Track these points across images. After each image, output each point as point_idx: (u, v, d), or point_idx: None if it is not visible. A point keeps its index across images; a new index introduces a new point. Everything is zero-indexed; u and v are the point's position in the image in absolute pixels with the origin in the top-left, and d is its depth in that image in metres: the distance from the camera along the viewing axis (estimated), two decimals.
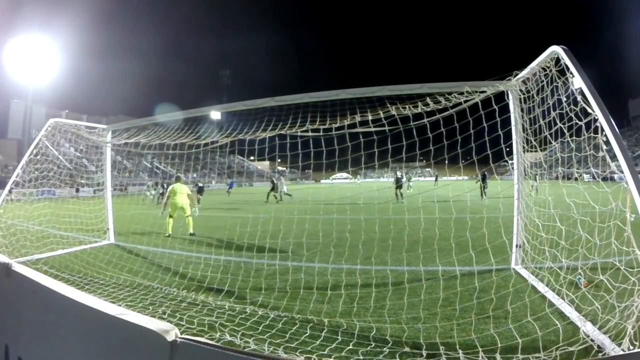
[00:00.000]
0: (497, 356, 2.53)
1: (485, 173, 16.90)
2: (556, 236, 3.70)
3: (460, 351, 2.62)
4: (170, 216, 9.24)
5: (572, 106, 3.25)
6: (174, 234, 8.68)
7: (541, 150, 4.24)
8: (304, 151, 4.83)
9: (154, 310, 3.57)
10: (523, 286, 4.12)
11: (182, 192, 9.39)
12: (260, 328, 3.17)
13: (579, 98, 2.95)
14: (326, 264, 5.30)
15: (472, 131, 4.26)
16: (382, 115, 4.50)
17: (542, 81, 3.88)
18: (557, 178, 3.94)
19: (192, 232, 9.08)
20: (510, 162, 4.98)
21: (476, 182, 17.62)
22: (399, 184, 17.57)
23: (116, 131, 7.82)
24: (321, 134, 4.68)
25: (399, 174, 18.57)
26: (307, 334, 3.05)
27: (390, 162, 4.59)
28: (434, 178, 33.78)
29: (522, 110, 4.61)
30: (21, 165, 6.48)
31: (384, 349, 2.73)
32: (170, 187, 9.67)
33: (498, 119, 4.26)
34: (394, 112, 4.48)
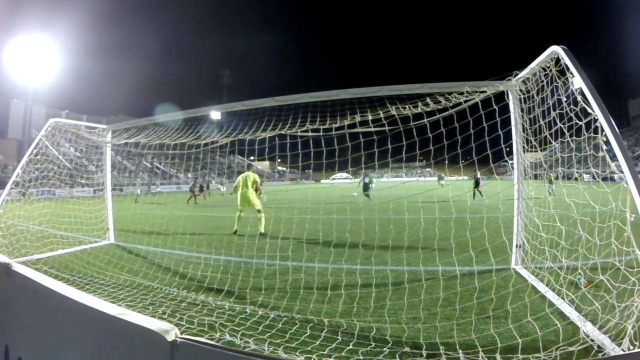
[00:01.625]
0: (497, 356, 2.53)
1: (478, 176, 16.84)
2: (556, 236, 3.70)
3: (460, 351, 2.62)
4: (241, 210, 8.50)
5: (572, 106, 3.25)
6: (173, 233, 8.66)
7: (541, 150, 4.24)
8: (304, 151, 4.83)
9: (154, 310, 3.57)
10: (523, 286, 4.12)
11: (247, 184, 8.40)
12: (260, 328, 3.17)
13: (579, 98, 2.95)
14: (326, 263, 5.30)
15: (472, 131, 4.26)
16: (382, 115, 4.50)
17: (542, 81, 3.88)
18: (557, 178, 3.95)
19: (262, 231, 8.14)
20: (510, 162, 4.98)
21: (473, 187, 17.49)
22: (366, 190, 17.75)
23: (116, 131, 7.82)
24: (321, 134, 4.68)
25: (367, 179, 18.31)
26: (307, 334, 3.05)
27: (390, 162, 4.59)
28: (422, 178, 33.49)
29: (522, 110, 4.61)
30: (21, 165, 6.48)
31: (384, 349, 2.73)
32: (238, 177, 8.75)
33: (498, 119, 4.26)
34: (394, 112, 4.48)
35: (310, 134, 4.70)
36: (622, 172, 2.39)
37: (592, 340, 2.65)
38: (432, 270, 4.65)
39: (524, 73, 4.28)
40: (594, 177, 3.12)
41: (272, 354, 2.55)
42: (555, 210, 3.84)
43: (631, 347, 2.24)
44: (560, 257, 3.51)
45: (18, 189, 6.59)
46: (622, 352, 2.30)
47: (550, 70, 3.60)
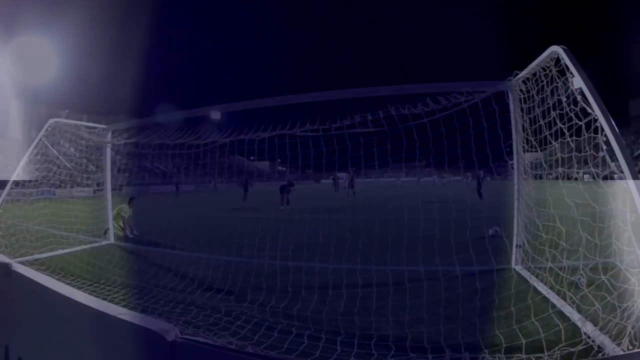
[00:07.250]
0: (501, 356, 2.53)
1: (480, 176, 17.08)
2: (556, 236, 3.70)
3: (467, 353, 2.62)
4: None
5: (572, 106, 3.25)
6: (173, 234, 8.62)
7: (541, 150, 4.24)
8: (304, 151, 4.82)
9: (153, 311, 3.57)
10: (524, 287, 4.11)
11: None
12: (261, 329, 3.17)
13: (578, 98, 2.95)
14: (326, 263, 5.29)
15: (472, 131, 4.26)
16: (381, 116, 4.50)
17: (542, 81, 3.88)
18: (557, 178, 3.94)
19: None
20: (510, 162, 4.97)
21: (476, 188, 17.50)
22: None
23: (116, 131, 7.81)
24: (320, 133, 4.67)
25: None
26: (307, 335, 3.04)
27: (390, 162, 4.58)
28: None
29: (522, 110, 4.61)
30: (21, 165, 6.47)
31: (386, 351, 2.73)
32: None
33: (498, 119, 4.26)
34: (393, 112, 4.48)
35: (309, 133, 4.70)
36: (622, 172, 2.39)
37: (592, 340, 2.65)
38: (432, 271, 4.64)
39: (524, 73, 4.27)
40: (594, 177, 3.12)
41: (271, 353, 2.55)
42: (556, 210, 3.83)
43: (630, 347, 2.24)
44: (561, 258, 3.51)
45: (17, 190, 6.59)
46: (622, 352, 2.30)
47: (550, 70, 3.60)
